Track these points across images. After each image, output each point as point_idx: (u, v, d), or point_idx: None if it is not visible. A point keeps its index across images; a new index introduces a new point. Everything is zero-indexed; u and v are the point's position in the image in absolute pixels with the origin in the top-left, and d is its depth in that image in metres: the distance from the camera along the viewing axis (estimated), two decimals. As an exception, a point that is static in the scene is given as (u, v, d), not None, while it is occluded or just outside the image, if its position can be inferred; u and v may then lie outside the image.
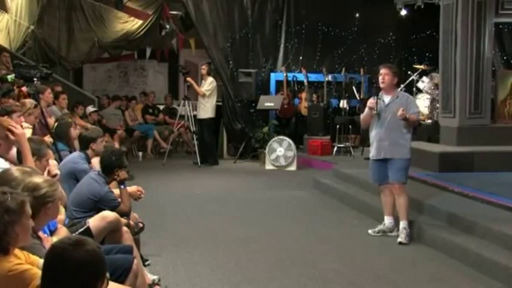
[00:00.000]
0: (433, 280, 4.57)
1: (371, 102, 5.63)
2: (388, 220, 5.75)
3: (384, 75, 5.62)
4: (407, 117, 5.45)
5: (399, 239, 5.47)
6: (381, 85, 5.67)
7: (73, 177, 4.65)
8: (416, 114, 5.68)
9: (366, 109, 5.74)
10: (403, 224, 5.54)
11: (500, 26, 9.96)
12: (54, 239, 3.20)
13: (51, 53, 11.55)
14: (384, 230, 5.75)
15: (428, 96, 9.75)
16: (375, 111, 5.57)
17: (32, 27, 11.36)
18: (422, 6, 9.30)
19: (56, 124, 6.17)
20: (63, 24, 11.77)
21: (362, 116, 5.86)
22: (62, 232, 3.45)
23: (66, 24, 11.78)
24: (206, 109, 10.39)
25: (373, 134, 5.71)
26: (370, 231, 5.81)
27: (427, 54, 11.08)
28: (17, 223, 2.38)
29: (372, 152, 5.74)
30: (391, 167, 5.57)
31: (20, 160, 3.70)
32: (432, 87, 9.59)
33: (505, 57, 11.04)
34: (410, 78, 10.19)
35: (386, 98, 5.65)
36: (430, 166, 7.35)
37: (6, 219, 2.34)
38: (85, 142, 4.98)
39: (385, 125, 5.59)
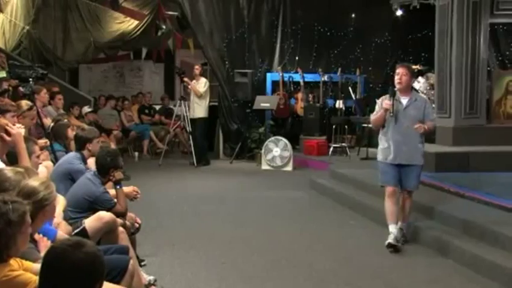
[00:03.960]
0: (429, 280, 4.58)
1: (387, 103, 5.24)
2: (395, 229, 5.29)
3: (402, 75, 5.25)
4: (425, 129, 5.19)
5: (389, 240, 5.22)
6: (398, 86, 5.27)
7: (69, 177, 4.65)
8: (434, 122, 5.41)
9: (377, 110, 5.41)
10: (401, 225, 5.36)
11: (495, 27, 9.99)
12: (59, 233, 3.19)
13: (46, 53, 11.53)
14: (398, 240, 5.27)
15: (424, 97, 9.77)
16: (391, 114, 5.21)
17: (27, 27, 11.33)
18: (417, 7, 9.31)
19: (52, 124, 6.16)
20: (58, 25, 11.76)
21: (374, 116, 5.45)
22: (62, 226, 3.45)
23: (62, 25, 11.77)
24: (200, 109, 10.40)
25: (388, 137, 5.33)
26: (390, 241, 5.20)
27: (423, 54, 11.11)
28: (18, 234, 2.37)
29: (385, 155, 5.35)
30: (409, 173, 5.30)
31: (11, 161, 3.69)
32: (428, 88, 9.61)
33: (500, 58, 11.07)
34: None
35: (404, 100, 5.29)
36: (426, 166, 7.31)
37: (8, 233, 2.33)
38: (81, 142, 4.98)
39: (402, 130, 5.26)
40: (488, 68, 8.96)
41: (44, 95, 7.38)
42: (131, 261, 3.40)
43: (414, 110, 5.27)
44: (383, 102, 5.31)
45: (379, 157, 5.46)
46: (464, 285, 4.47)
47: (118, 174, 4.36)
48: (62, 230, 3.36)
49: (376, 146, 9.76)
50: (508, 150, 7.65)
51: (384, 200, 5.43)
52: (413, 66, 10.39)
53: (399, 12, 10.35)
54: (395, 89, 5.29)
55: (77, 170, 4.68)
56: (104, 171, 4.35)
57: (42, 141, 5.44)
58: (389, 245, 5.19)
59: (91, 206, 4.20)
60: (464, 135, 7.90)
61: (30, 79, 5.52)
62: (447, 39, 8.01)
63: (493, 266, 4.52)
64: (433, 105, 8.66)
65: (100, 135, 5.78)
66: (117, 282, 3.09)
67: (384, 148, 5.39)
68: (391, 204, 5.33)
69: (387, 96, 5.34)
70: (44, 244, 2.88)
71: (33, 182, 2.87)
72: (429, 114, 5.35)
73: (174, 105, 11.87)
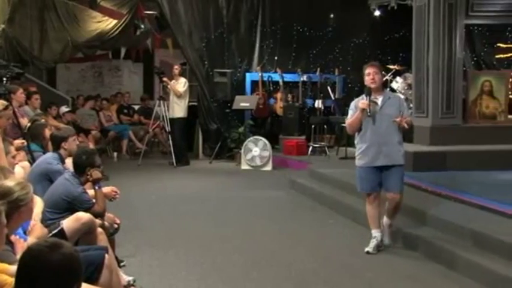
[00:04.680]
0: (408, 279, 4.63)
1: (363, 103, 5.11)
2: (378, 233, 5.26)
3: (374, 74, 5.15)
4: (407, 122, 5.10)
5: (368, 248, 5.17)
6: (372, 85, 5.14)
7: (46, 178, 4.60)
8: (411, 117, 5.38)
9: (351, 112, 5.24)
10: (386, 220, 5.28)
11: (471, 28, 10.15)
12: (30, 239, 3.16)
13: (23, 53, 11.36)
14: (380, 245, 5.25)
15: (402, 96, 9.88)
16: (368, 113, 5.07)
17: (2, 26, 11.15)
18: (395, 7, 9.42)
19: (29, 125, 6.10)
20: (35, 24, 11.58)
21: (349, 120, 5.28)
22: (37, 228, 3.40)
23: (39, 24, 11.59)
24: (180, 108, 10.37)
25: (366, 139, 5.18)
26: (369, 249, 5.18)
27: (401, 54, 11.22)
28: None
29: (364, 159, 5.19)
30: (391, 175, 5.14)
31: None
32: (406, 88, 9.72)
33: (475, 58, 11.25)
34: (384, 79, 10.30)
35: (378, 99, 5.18)
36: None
37: None
38: (56, 142, 4.94)
39: (381, 130, 5.12)
40: (464, 68, 9.09)
41: (20, 94, 7.29)
42: (107, 256, 3.36)
43: (390, 108, 5.16)
44: (359, 102, 5.18)
45: (358, 162, 5.28)
46: (441, 283, 4.52)
47: (95, 173, 4.32)
48: (37, 233, 3.31)
49: (354, 145, 9.84)
50: (483, 150, 7.79)
51: (363, 201, 5.41)
52: (391, 67, 10.58)
53: (377, 13, 10.45)
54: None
55: (55, 170, 4.63)
56: (80, 170, 4.31)
57: (19, 142, 5.38)
58: (368, 253, 5.17)
59: (69, 206, 4.16)
60: (441, 135, 8.00)
61: (5, 78, 5.46)
62: (424, 40, 8.11)
63: (468, 263, 4.58)
64: (411, 105, 8.78)
65: (78, 134, 5.75)
66: (96, 279, 3.07)
67: (363, 151, 5.21)
68: (372, 208, 5.26)
69: (361, 97, 5.26)
70: (21, 246, 2.85)
71: (9, 182, 2.84)
72: (405, 110, 5.26)
73: (153, 105, 11.81)
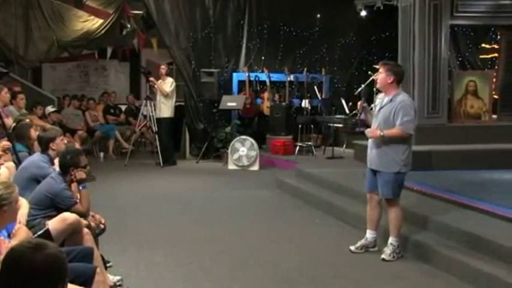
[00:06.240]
0: (393, 277, 4.66)
1: (359, 104, 5.19)
2: (370, 234, 5.25)
3: (379, 73, 5.04)
4: (379, 134, 4.90)
5: (382, 256, 5.01)
6: (376, 85, 5.12)
7: (37, 180, 4.53)
8: (401, 127, 4.86)
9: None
10: (391, 239, 5.05)
11: (455, 28, 10.24)
12: (14, 241, 3.13)
13: (7, 52, 11.27)
14: (367, 245, 5.23)
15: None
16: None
17: (-14, 25, 11.06)
18: (381, 8, 9.48)
19: (14, 125, 6.06)
20: (20, 23, 11.49)
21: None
22: (22, 231, 3.38)
23: (24, 23, 11.50)
24: (166, 108, 10.35)
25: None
26: (352, 247, 5.23)
27: (387, 54, 11.27)
28: None
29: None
30: (379, 179, 5.05)
31: None
32: (391, 88, 9.76)
33: (460, 59, 11.36)
34: (370, 79, 10.33)
35: (384, 100, 5.05)
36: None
37: None
38: (44, 143, 4.91)
39: None
40: (449, 69, 9.17)
41: (4, 94, 7.23)
42: (98, 270, 3.32)
43: (386, 111, 4.96)
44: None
45: None
46: (428, 282, 4.56)
47: (79, 174, 4.30)
48: (22, 236, 3.28)
49: (341, 145, 9.89)
50: (467, 149, 7.87)
51: (350, 200, 5.45)
52: (377, 67, 10.58)
53: (363, 13, 10.50)
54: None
55: (46, 174, 4.55)
56: (64, 170, 4.29)
57: (6, 144, 5.33)
58: (351, 252, 5.22)
59: (51, 203, 4.15)
60: (426, 135, 8.06)
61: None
62: (410, 40, 8.18)
63: (455, 262, 4.62)
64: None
65: (64, 134, 5.71)
66: None
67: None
68: (369, 209, 5.25)
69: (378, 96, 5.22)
70: (5, 246, 2.83)
71: None
72: (399, 117, 4.89)
73: (140, 105, 11.77)
